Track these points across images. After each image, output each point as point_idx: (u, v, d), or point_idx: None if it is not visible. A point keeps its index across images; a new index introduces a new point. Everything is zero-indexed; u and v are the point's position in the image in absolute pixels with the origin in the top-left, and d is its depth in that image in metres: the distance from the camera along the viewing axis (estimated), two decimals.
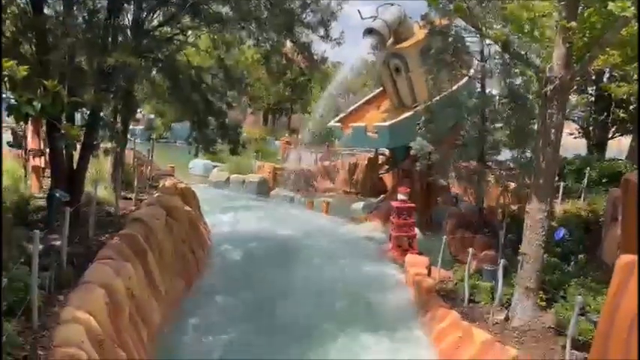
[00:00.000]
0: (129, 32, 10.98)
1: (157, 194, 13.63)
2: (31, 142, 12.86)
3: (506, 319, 9.40)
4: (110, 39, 10.24)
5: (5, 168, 11.49)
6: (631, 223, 8.09)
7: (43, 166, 12.69)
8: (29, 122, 12.47)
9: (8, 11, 9.06)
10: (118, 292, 7.78)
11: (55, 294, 7.34)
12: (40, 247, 7.02)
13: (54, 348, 5.94)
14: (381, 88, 23.33)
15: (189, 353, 8.93)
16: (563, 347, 7.91)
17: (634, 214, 7.86)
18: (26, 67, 4.78)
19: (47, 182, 12.05)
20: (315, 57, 13.69)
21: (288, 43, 13.88)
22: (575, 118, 21.18)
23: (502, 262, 9.75)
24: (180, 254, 12.03)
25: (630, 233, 7.76)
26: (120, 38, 10.54)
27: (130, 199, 13.12)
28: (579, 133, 21.30)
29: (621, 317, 2.63)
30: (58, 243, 8.23)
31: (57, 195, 9.71)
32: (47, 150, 12.06)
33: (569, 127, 20.47)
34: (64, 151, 10.45)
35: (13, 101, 4.75)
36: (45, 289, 7.14)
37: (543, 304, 9.37)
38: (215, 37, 13.34)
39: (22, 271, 6.62)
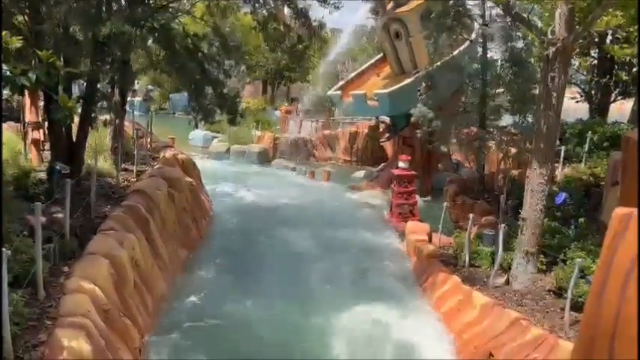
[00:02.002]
0: (123, 0, 10.77)
1: (157, 165, 13.64)
2: (29, 115, 12.78)
3: (507, 282, 9.50)
4: (104, 8, 10.05)
5: (4, 141, 11.45)
6: (630, 178, 8.13)
7: (42, 139, 12.63)
8: (26, 95, 12.38)
9: None
10: (122, 262, 7.87)
11: (59, 265, 7.42)
12: (43, 219, 7.05)
13: (60, 318, 6.04)
14: (381, 55, 23.04)
15: (190, 320, 9.06)
16: (563, 309, 8.01)
17: (633, 170, 7.92)
18: (19, 37, 4.71)
19: (47, 155, 12.03)
20: (314, 23, 13.41)
21: (286, 9, 13.62)
22: (578, 82, 20.94)
23: (502, 226, 9.80)
24: (182, 224, 12.12)
25: (629, 189, 7.80)
26: (114, 7, 10.35)
27: (131, 170, 13.13)
28: (581, 97, 21.10)
29: (617, 266, 2.67)
30: (60, 215, 8.26)
31: (57, 167, 9.71)
32: (46, 123, 12.01)
33: (571, 91, 20.26)
34: (62, 124, 10.40)
35: (8, 73, 4.69)
36: (49, 261, 7.21)
37: (543, 267, 9.45)
38: (210, 3, 13.08)
39: (26, 243, 6.67)
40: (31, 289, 6.37)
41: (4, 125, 13.83)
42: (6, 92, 7.57)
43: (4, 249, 5.14)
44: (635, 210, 2.68)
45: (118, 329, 7.01)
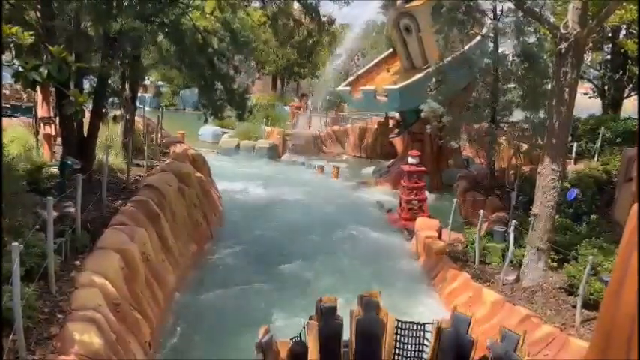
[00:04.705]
0: None
1: (168, 161, 13.70)
2: (41, 111, 12.86)
3: (517, 279, 9.44)
4: (115, 3, 10.08)
5: (16, 136, 11.56)
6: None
7: (53, 134, 12.73)
8: (38, 91, 12.46)
9: None
10: (133, 257, 7.92)
11: (71, 259, 7.49)
12: (55, 213, 7.11)
13: (72, 311, 6.10)
14: (391, 50, 22.93)
15: (200, 314, 9.11)
16: (574, 306, 7.96)
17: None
18: (31, 33, 4.74)
19: (58, 150, 12.12)
20: (323, 18, 13.38)
21: (295, 4, 13.59)
22: (590, 77, 20.69)
23: (513, 223, 9.73)
24: (192, 219, 12.17)
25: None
26: (125, 2, 10.38)
27: (141, 166, 13.18)
28: (594, 92, 20.86)
29: (635, 263, 2.63)
30: (72, 210, 8.33)
31: (69, 162, 9.79)
32: (57, 118, 12.09)
33: (584, 87, 20.04)
34: (73, 119, 10.46)
35: (20, 68, 4.72)
36: (61, 255, 7.27)
37: (554, 264, 9.38)
38: None
39: (38, 237, 6.73)
40: (43, 282, 6.43)
41: (16, 120, 13.97)
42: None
43: (16, 243, 5.19)
44: None
45: (129, 323, 7.07)
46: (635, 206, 2.76)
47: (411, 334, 6.79)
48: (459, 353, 6.38)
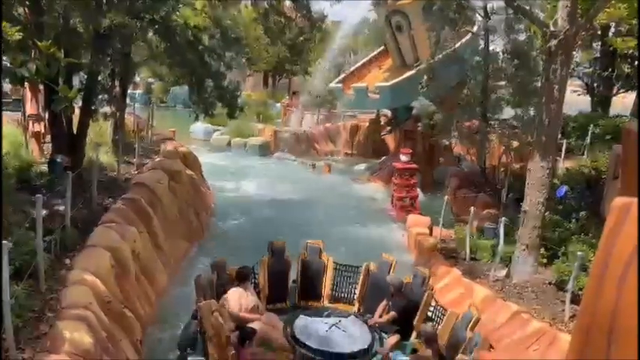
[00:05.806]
0: None
1: (158, 158, 13.63)
2: (30, 108, 12.76)
3: (507, 275, 9.50)
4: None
5: (5, 134, 11.45)
6: (630, 170, 8.15)
7: (43, 131, 12.62)
8: (27, 87, 12.36)
9: None
10: (123, 255, 7.89)
11: (60, 257, 7.43)
12: (44, 211, 7.06)
13: (62, 309, 6.06)
14: (383, 47, 22.95)
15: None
16: (564, 302, 8.03)
17: (633, 161, 7.95)
18: (19, 28, 4.69)
19: (48, 147, 12.03)
20: (315, 15, 13.37)
21: (287, 2, 13.57)
22: (580, 75, 20.86)
23: (503, 219, 9.79)
24: (183, 217, 12.13)
25: (629, 179, 7.83)
26: None
27: (132, 163, 13.11)
28: (583, 89, 21.03)
29: (616, 258, 2.65)
30: (61, 207, 8.27)
31: (58, 160, 9.72)
32: (46, 115, 12.00)
33: (573, 84, 20.19)
34: (63, 116, 10.39)
35: (8, 64, 4.68)
36: (51, 253, 7.22)
37: (544, 260, 9.45)
38: None
39: (27, 235, 6.68)
40: (32, 281, 6.38)
41: (5, 117, 13.84)
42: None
43: (5, 241, 5.15)
44: (635, 200, 2.65)
45: (120, 321, 7.04)
46: (616, 200, 2.78)
47: (346, 275, 8.66)
48: (382, 290, 7.96)
